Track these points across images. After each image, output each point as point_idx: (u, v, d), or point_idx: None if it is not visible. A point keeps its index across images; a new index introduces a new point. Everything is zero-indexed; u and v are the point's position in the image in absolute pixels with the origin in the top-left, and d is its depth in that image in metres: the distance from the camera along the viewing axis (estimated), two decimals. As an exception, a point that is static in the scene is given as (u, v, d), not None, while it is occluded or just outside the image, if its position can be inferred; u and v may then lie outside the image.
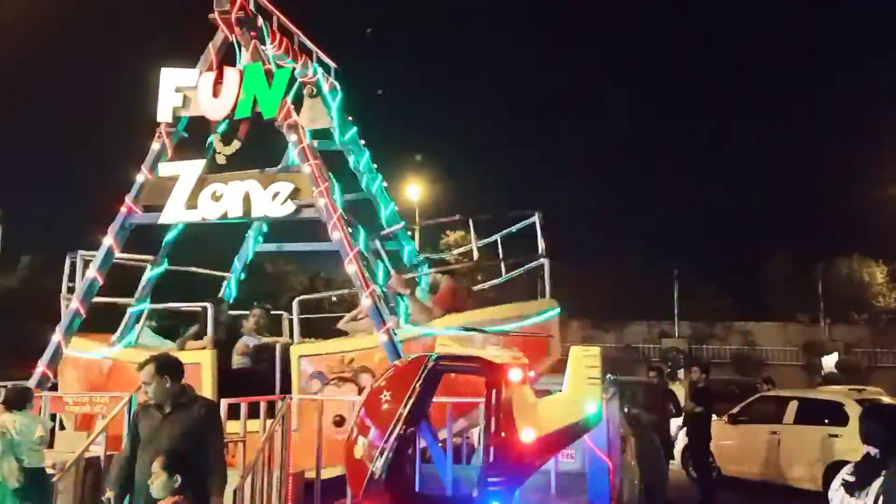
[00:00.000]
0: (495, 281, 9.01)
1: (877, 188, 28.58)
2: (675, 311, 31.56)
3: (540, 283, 8.84)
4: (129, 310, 8.60)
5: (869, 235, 28.74)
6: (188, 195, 7.96)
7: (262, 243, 9.95)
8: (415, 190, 28.80)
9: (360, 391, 7.38)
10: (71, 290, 8.51)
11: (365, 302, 7.49)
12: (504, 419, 4.71)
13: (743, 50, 55.33)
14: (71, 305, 8.13)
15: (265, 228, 9.80)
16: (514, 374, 4.88)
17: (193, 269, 9.86)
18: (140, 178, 8.49)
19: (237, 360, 8.26)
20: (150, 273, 8.90)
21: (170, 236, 9.06)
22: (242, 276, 10.07)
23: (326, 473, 6.85)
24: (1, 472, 5.58)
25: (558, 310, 8.40)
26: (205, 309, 8.25)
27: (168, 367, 5.03)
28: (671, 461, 13.36)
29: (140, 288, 8.89)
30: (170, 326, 9.54)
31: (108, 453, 6.85)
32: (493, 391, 4.76)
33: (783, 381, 21.84)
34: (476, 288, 8.80)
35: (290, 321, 8.33)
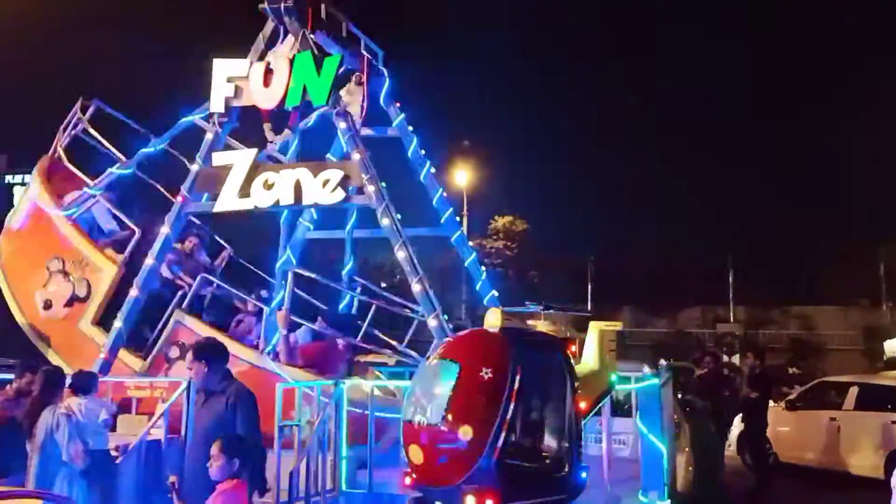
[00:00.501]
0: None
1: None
2: (731, 296, 30.93)
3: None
4: None
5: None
6: (241, 184, 8.10)
7: (312, 231, 10.05)
8: (462, 176, 28.79)
9: None
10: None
11: (415, 288, 7.54)
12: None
13: (799, 25, 53.61)
14: (131, 293, 8.36)
15: (315, 216, 9.89)
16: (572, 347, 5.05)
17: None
18: (194, 167, 8.66)
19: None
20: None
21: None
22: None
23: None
24: (67, 453, 5.78)
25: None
26: None
27: (206, 352, 5.13)
28: (726, 447, 13.19)
29: None
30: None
31: (169, 436, 7.06)
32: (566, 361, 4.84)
33: (843, 366, 21.29)
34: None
35: None
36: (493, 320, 4.94)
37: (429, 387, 4.70)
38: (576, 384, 4.87)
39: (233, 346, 8.13)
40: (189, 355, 5.19)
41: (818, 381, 14.76)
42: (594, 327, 5.83)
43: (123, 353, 8.58)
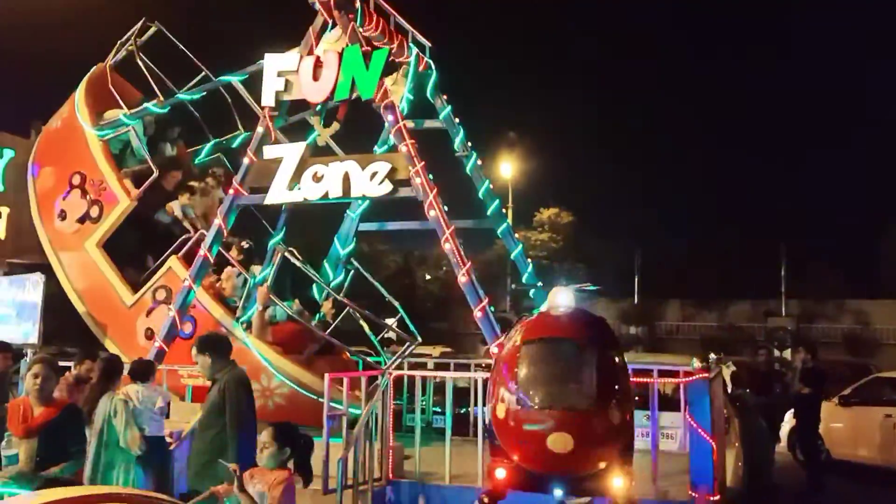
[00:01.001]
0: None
1: None
2: (783, 289, 30.22)
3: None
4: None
5: None
6: (291, 176, 8.22)
7: (361, 222, 10.16)
8: (507, 168, 28.64)
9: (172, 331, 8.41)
10: None
11: (461, 279, 7.56)
12: None
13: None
14: (184, 285, 8.55)
15: (364, 208, 9.99)
16: None
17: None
18: (246, 161, 8.82)
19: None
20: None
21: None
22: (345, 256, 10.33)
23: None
24: (125, 439, 5.95)
25: None
26: None
27: (210, 345, 5.34)
28: (777, 443, 12.96)
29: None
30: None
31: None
32: None
33: (900, 362, 20.70)
34: None
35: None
36: (563, 300, 4.82)
37: (553, 370, 4.42)
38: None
39: (211, 305, 8.77)
40: (193, 349, 5.39)
41: (873, 377, 14.39)
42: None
43: (119, 283, 9.27)
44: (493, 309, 7.57)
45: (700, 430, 6.13)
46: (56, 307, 9.73)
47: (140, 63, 10.10)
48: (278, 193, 8.31)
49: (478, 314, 7.51)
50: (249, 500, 4.37)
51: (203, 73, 10.29)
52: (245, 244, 9.54)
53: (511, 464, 4.67)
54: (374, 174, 7.92)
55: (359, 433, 6.49)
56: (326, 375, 7.20)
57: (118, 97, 9.97)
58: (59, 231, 9.85)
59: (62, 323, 10.17)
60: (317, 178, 8.11)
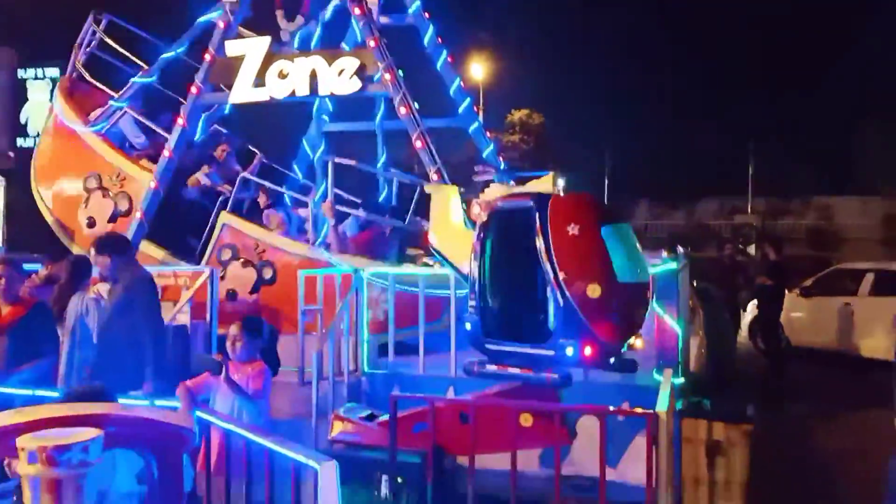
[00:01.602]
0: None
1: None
2: (749, 186, 30.59)
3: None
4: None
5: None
6: (255, 74, 7.97)
7: (329, 123, 9.96)
8: (479, 69, 28.05)
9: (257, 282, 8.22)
10: None
11: (433, 178, 7.52)
12: None
13: None
14: (150, 185, 8.41)
15: (331, 107, 9.77)
16: None
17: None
18: (207, 58, 8.51)
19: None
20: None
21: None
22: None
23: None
24: (97, 337, 5.96)
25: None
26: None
27: (107, 245, 5.31)
28: (739, 333, 13.45)
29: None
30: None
31: (194, 321, 7.30)
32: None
33: (860, 256, 21.25)
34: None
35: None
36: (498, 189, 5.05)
37: (634, 247, 5.03)
38: None
39: (285, 242, 8.41)
40: (92, 250, 5.35)
41: (834, 269, 14.86)
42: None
43: (145, 245, 8.75)
44: (465, 206, 7.55)
45: (667, 319, 6.31)
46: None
47: (110, 49, 9.55)
48: (242, 92, 8.08)
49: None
50: (237, 388, 4.49)
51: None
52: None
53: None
54: (341, 71, 7.71)
55: (334, 328, 6.58)
56: (301, 273, 7.25)
57: (104, 88, 9.50)
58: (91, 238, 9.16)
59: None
60: (282, 76, 7.88)
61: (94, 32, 9.75)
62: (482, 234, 5.05)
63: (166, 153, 8.44)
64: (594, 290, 4.69)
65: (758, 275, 13.10)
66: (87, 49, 9.80)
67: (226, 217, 8.56)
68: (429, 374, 6.89)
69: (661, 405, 4.60)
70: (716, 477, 5.60)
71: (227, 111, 9.32)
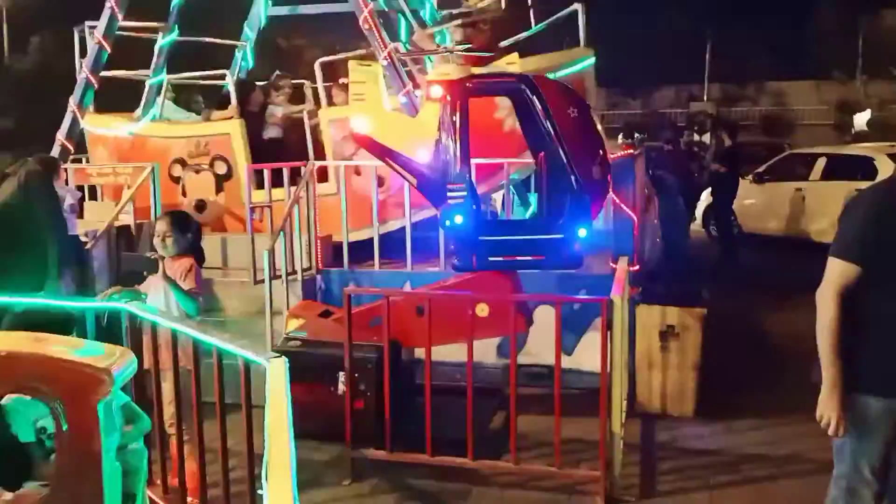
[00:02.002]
0: (524, 34, 8.42)
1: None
2: (706, 73, 30.35)
3: (569, 41, 8.24)
4: (147, 82, 8.31)
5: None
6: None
7: (273, 6, 9.35)
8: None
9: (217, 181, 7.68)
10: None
11: (382, 63, 7.14)
12: None
13: None
14: (80, 76, 7.89)
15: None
16: None
17: (207, 39, 9.36)
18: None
19: (268, 131, 8.08)
20: (162, 41, 8.46)
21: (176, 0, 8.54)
22: (253, 44, 9.61)
23: (353, 237, 6.97)
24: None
25: (594, 59, 7.97)
26: (225, 77, 7.97)
27: None
28: (693, 220, 13.60)
29: (154, 59, 8.49)
30: (188, 99, 9.26)
31: (138, 221, 7.01)
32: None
33: (814, 141, 21.47)
34: (504, 43, 8.24)
35: (314, 89, 7.88)
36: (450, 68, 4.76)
37: None
38: None
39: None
40: None
41: (787, 154, 14.97)
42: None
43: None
44: (418, 94, 7.23)
45: (623, 207, 6.25)
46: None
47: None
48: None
49: (402, 99, 7.19)
50: (175, 286, 4.37)
51: None
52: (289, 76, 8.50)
53: None
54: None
55: (284, 224, 6.38)
56: (246, 166, 6.97)
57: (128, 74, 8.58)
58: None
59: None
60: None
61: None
62: (454, 117, 4.70)
63: (96, 39, 7.85)
64: (598, 172, 4.63)
65: (712, 162, 13.13)
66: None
67: (327, 114, 7.42)
68: (384, 269, 6.81)
69: (616, 291, 4.58)
70: (669, 360, 5.69)
71: None
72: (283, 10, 9.49)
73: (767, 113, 29.85)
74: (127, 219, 6.97)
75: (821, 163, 12.81)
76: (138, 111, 8.28)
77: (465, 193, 4.64)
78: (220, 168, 7.76)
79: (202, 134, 7.91)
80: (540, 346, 5.75)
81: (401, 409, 4.97)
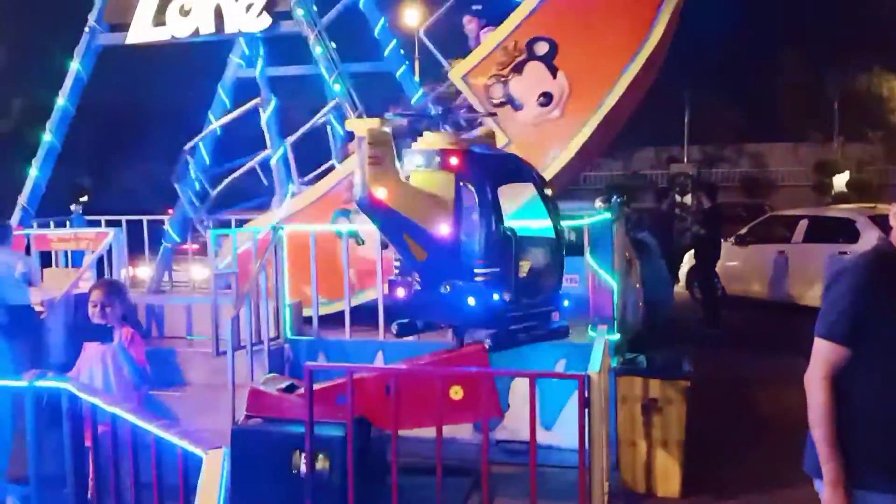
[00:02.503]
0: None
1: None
2: (685, 135, 30.69)
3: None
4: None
5: (893, 46, 27.11)
6: (155, 11, 7.22)
7: (246, 68, 9.22)
8: (413, 16, 27.06)
9: None
10: None
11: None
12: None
13: None
14: (45, 137, 7.67)
15: (247, 51, 9.04)
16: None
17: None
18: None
19: None
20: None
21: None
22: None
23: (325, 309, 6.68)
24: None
25: None
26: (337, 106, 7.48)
27: None
28: (676, 283, 13.43)
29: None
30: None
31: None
32: None
33: (793, 202, 21.60)
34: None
35: None
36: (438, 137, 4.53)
37: None
38: None
39: None
40: None
41: (768, 216, 14.95)
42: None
43: None
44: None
45: (601, 272, 6.03)
46: None
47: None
48: (141, 31, 7.34)
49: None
50: (127, 355, 4.17)
51: None
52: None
53: None
54: (249, 6, 7.03)
55: (250, 291, 6.10)
56: (213, 233, 6.71)
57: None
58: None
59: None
60: (184, 12, 7.16)
61: None
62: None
63: (60, 100, 7.67)
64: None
65: (693, 224, 13.04)
66: None
67: None
68: (355, 338, 6.51)
69: (594, 366, 4.32)
70: (652, 436, 5.39)
71: None
72: (251, 73, 9.33)
73: (746, 174, 30.14)
74: (87, 287, 6.66)
75: (803, 225, 12.74)
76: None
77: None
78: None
79: (345, 175, 7.06)
80: (518, 420, 5.44)
81: (369, 491, 4.63)
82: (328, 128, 7.48)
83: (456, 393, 4.48)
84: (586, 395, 4.10)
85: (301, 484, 4.63)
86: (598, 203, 6.30)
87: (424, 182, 4.49)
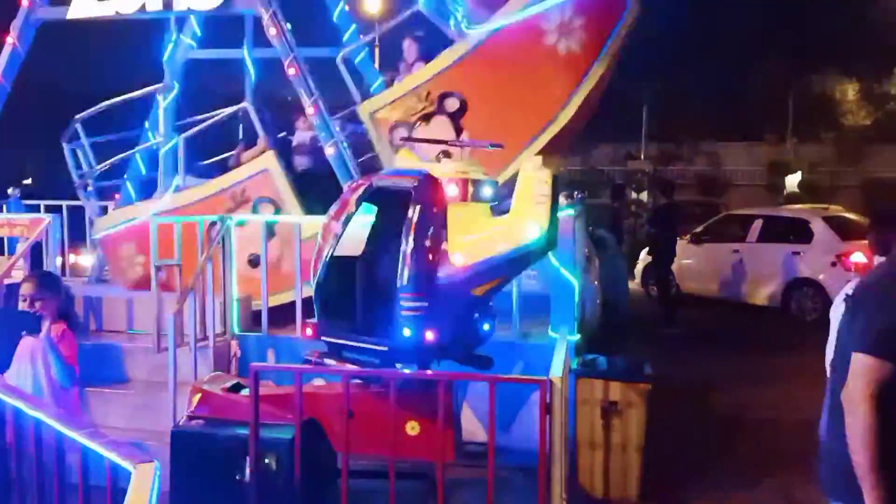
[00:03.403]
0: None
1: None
2: (643, 133, 30.83)
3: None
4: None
5: (847, 49, 27.62)
6: (99, -16, 6.83)
7: (196, 49, 8.82)
8: (374, 2, 26.63)
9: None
10: None
11: (309, 111, 6.71)
12: (431, 238, 4.15)
13: None
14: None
15: (199, 31, 8.64)
16: (451, 191, 4.24)
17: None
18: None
19: (298, 161, 7.34)
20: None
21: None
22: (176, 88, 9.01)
23: (274, 301, 6.40)
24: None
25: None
26: (244, 111, 7.28)
27: None
28: (632, 280, 13.43)
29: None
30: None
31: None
32: (419, 208, 4.08)
33: (748, 202, 21.85)
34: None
35: None
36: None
37: None
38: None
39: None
40: None
41: (724, 215, 15.05)
42: (522, 169, 4.29)
43: None
44: (346, 146, 6.81)
45: (562, 270, 5.87)
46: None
47: None
48: (83, 6, 6.92)
49: (329, 151, 6.75)
50: (55, 350, 3.90)
51: None
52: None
53: None
54: (200, -18, 6.69)
55: (195, 285, 5.80)
56: (153, 218, 6.38)
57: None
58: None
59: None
60: (130, -13, 6.78)
61: None
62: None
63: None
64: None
65: (649, 221, 13.04)
66: None
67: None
68: (309, 336, 6.24)
69: (556, 370, 4.15)
70: (611, 439, 5.26)
71: None
72: (205, 54, 8.96)
73: (702, 173, 30.46)
74: (20, 276, 6.27)
75: (757, 224, 12.85)
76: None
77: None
78: (267, 210, 6.79)
79: (235, 181, 6.87)
80: (473, 421, 5.27)
81: (318, 497, 4.41)
82: (250, 114, 7.17)
83: (412, 428, 4.30)
84: (548, 400, 3.95)
85: (245, 490, 4.39)
86: (561, 199, 6.11)
87: None
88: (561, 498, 4.21)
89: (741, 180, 30.11)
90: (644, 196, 24.75)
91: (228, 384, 5.15)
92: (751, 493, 5.52)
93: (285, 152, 7.25)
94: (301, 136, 7.50)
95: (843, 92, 30.09)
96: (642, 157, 30.09)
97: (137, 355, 6.16)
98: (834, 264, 11.34)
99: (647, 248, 13.47)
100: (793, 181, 27.90)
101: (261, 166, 6.79)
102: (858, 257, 10.94)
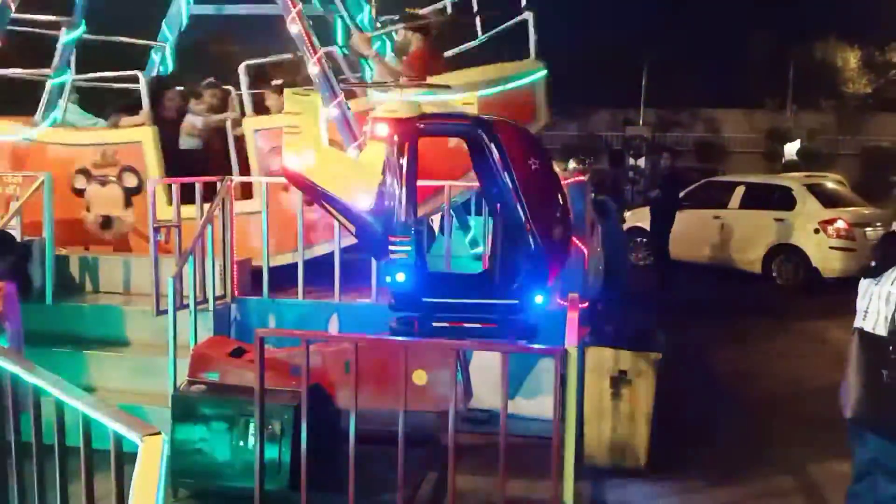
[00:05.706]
0: (472, 43, 7.84)
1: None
2: (642, 98, 30.57)
3: (524, 50, 7.67)
4: (48, 83, 7.43)
5: (849, 17, 27.32)
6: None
7: (195, 4, 8.56)
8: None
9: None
10: None
11: (312, 70, 6.49)
12: None
13: None
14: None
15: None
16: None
17: (118, 38, 8.49)
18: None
19: (185, 142, 7.30)
20: (66, 38, 7.60)
21: None
22: (174, 45, 8.80)
23: (276, 261, 6.28)
24: None
25: (545, 72, 7.49)
26: (137, 79, 7.14)
27: None
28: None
29: (57, 57, 7.62)
30: (98, 102, 8.36)
31: (27, 239, 6.14)
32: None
33: (744, 168, 21.75)
34: (450, 53, 7.66)
35: (240, 96, 7.09)
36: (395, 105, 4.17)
37: None
38: None
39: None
40: None
41: (704, 181, 14.86)
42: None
43: None
44: (349, 106, 6.61)
45: (574, 238, 5.73)
46: None
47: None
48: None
49: (333, 111, 6.55)
50: None
51: None
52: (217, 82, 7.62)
53: None
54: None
55: (195, 247, 5.64)
56: (151, 180, 6.21)
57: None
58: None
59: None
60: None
61: None
62: (402, 159, 4.08)
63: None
64: (559, 232, 4.22)
65: (650, 187, 12.90)
66: None
67: (251, 123, 6.67)
68: (309, 298, 6.13)
69: (571, 340, 4.04)
70: (620, 409, 5.19)
71: None
72: (208, 10, 8.71)
73: (701, 139, 30.28)
74: (13, 235, 6.09)
75: (739, 191, 12.81)
76: (38, 115, 7.37)
77: (409, 248, 4.04)
78: (130, 180, 6.92)
79: (109, 142, 7.04)
80: (481, 388, 5.17)
81: (324, 462, 4.33)
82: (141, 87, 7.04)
83: (419, 378, 4.19)
84: (562, 370, 3.85)
85: (249, 456, 4.30)
86: (573, 163, 6.00)
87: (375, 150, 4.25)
88: (572, 467, 4.14)
89: (739, 147, 29.96)
90: (642, 162, 24.59)
91: (230, 349, 5.04)
92: (756, 462, 5.48)
93: (171, 130, 7.15)
94: (191, 119, 7.30)
95: (844, 59, 29.79)
96: (640, 123, 29.83)
97: (136, 318, 6.02)
98: (817, 231, 11.39)
99: (629, 213, 13.39)
100: (792, 149, 27.73)
101: (136, 137, 6.90)
102: (840, 224, 11.21)
